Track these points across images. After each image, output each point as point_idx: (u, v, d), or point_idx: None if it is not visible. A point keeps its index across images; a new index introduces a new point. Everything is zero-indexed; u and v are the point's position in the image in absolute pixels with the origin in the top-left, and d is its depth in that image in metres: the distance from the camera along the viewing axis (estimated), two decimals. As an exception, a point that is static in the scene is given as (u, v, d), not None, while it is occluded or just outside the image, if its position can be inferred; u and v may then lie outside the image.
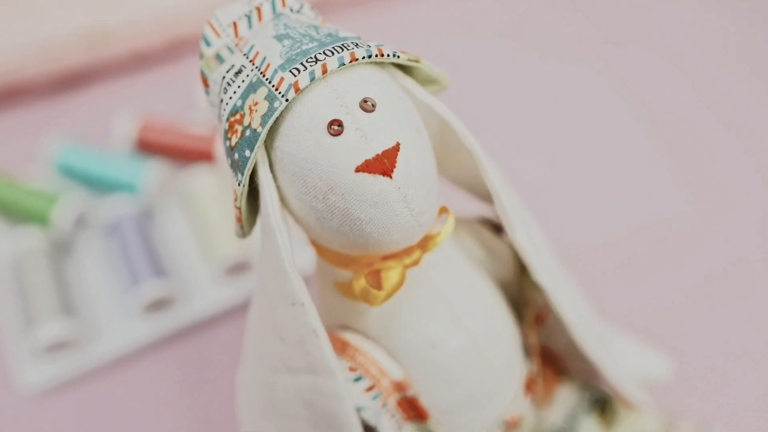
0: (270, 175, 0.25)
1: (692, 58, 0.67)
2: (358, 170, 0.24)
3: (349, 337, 0.31)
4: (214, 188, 0.54)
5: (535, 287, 0.35)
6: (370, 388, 0.30)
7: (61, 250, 0.53)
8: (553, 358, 0.43)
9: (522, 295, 0.36)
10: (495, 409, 0.33)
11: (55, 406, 0.46)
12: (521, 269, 0.36)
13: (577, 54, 0.68)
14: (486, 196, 0.35)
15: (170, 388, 0.48)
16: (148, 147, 0.57)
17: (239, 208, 0.26)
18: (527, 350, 0.37)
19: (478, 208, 0.37)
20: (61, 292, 0.48)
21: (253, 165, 0.25)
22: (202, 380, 0.48)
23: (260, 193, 0.26)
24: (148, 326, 0.48)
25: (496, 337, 0.33)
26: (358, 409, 0.29)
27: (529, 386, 0.36)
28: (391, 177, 0.24)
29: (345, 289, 0.29)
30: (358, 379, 0.30)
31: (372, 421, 0.30)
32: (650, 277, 0.51)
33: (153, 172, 0.54)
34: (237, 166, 0.25)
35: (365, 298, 0.27)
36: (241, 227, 0.27)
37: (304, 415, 0.29)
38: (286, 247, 0.26)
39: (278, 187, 0.26)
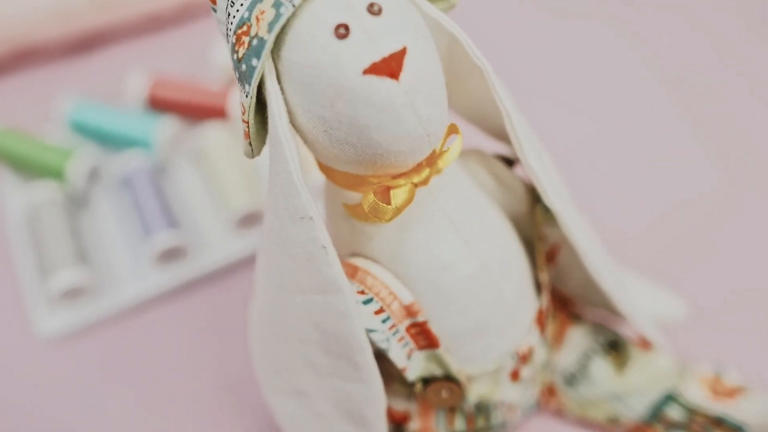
0: (278, 86, 0.25)
1: (712, 19, 0.65)
2: (365, 73, 0.23)
3: (359, 262, 0.31)
4: (227, 144, 0.54)
5: (548, 222, 0.35)
6: (379, 311, 0.30)
7: (76, 203, 0.53)
8: (566, 302, 0.43)
9: (534, 230, 0.36)
10: (506, 342, 0.33)
11: (71, 353, 0.47)
12: (533, 204, 0.36)
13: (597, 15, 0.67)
14: (498, 132, 0.34)
15: (183, 337, 0.48)
16: (160, 104, 0.57)
17: (247, 123, 0.26)
18: (538, 286, 0.36)
19: (490, 148, 0.37)
20: (76, 242, 0.49)
21: (260, 74, 0.25)
22: (214, 329, 0.48)
23: (268, 106, 0.26)
24: (162, 276, 0.49)
25: (507, 267, 0.32)
26: (368, 332, 0.29)
27: (540, 321, 0.35)
28: (397, 79, 0.24)
29: (354, 209, 0.29)
30: (368, 302, 0.30)
31: (382, 345, 0.30)
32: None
33: (165, 128, 0.54)
34: (244, 78, 0.25)
35: (375, 213, 0.27)
36: (249, 144, 0.27)
37: (315, 338, 0.29)
38: (294, 159, 0.25)
39: (286, 102, 0.26)
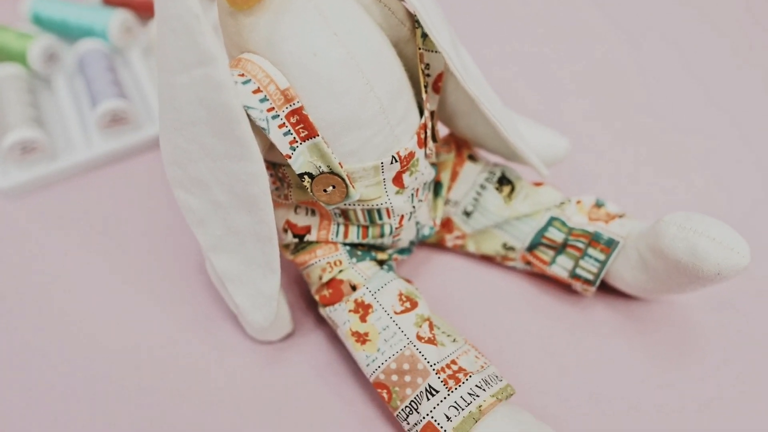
0: None
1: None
2: None
3: (242, 55, 0.35)
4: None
5: (428, 47, 0.39)
6: (257, 91, 0.34)
7: (37, 83, 0.58)
8: (462, 146, 0.47)
9: (416, 52, 0.40)
10: (383, 140, 0.37)
11: (26, 206, 0.52)
12: (414, 29, 0.39)
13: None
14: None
15: (132, 195, 0.53)
16: (114, 1, 0.62)
17: None
18: (422, 109, 0.41)
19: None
20: (34, 111, 0.54)
21: None
22: (151, 192, 0.53)
23: None
24: (109, 141, 0.54)
25: (379, 67, 0.36)
26: (247, 109, 0.34)
27: (420, 134, 0.39)
28: None
29: (231, -3, 0.33)
30: (246, 82, 0.34)
31: (261, 124, 0.34)
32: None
33: (118, 19, 0.59)
34: None
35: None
36: None
37: (203, 117, 0.34)
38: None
39: None
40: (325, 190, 0.37)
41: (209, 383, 0.42)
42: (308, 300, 0.47)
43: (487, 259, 0.48)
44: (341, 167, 0.36)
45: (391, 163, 0.38)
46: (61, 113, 0.56)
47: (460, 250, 0.48)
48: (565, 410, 0.41)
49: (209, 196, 0.37)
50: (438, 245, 0.49)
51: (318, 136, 0.35)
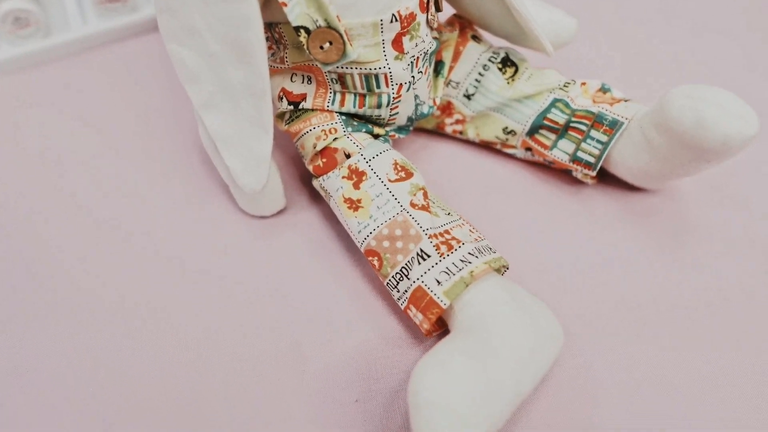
0: None
1: None
2: None
3: None
4: None
5: None
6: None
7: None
8: (466, 27, 0.46)
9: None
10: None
11: (18, 83, 0.51)
12: None
13: None
14: None
15: (119, 78, 0.52)
16: None
17: None
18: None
19: None
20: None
21: None
22: (147, 74, 0.52)
23: None
24: (105, 20, 0.53)
25: None
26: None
27: (422, 2, 0.38)
28: None
29: None
30: None
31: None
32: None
33: None
34: None
35: None
36: None
37: None
38: None
39: None
40: (321, 47, 0.36)
41: (200, 254, 0.42)
42: (303, 179, 0.46)
43: (487, 146, 0.47)
44: (339, 21, 0.35)
45: (391, 21, 0.36)
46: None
47: (459, 137, 0.47)
48: (561, 292, 0.40)
49: (202, 47, 0.36)
50: (437, 132, 0.48)
51: None
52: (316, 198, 0.45)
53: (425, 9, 0.38)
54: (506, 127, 0.44)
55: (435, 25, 0.40)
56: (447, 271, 0.35)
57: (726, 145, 0.35)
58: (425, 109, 0.43)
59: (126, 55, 0.53)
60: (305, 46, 0.36)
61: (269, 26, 0.39)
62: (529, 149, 0.45)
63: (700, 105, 0.35)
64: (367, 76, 0.39)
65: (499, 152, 0.47)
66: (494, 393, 0.30)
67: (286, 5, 0.34)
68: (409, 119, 0.43)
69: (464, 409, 0.29)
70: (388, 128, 0.43)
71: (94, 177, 0.46)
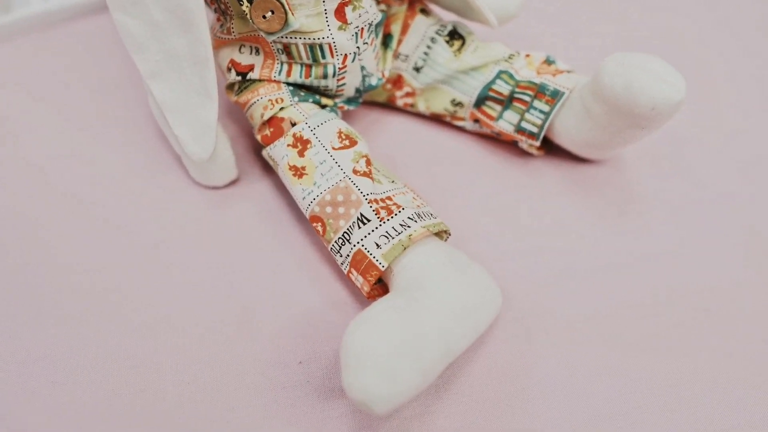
0: None
1: None
2: None
3: None
4: None
5: None
6: None
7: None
8: (414, 0, 0.47)
9: None
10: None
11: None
12: None
13: None
14: None
15: (80, 55, 0.53)
16: None
17: None
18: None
19: None
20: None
21: None
22: (108, 53, 0.53)
23: None
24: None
25: None
26: None
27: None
28: None
29: None
30: None
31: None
32: None
33: None
34: None
35: None
36: None
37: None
38: None
39: None
40: (264, 17, 0.37)
41: (150, 224, 0.43)
42: (256, 151, 0.47)
43: (437, 118, 0.48)
44: (281, -8, 0.36)
45: (333, -9, 0.37)
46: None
47: (411, 110, 0.48)
48: (502, 259, 0.41)
49: (147, 15, 0.37)
50: (389, 105, 0.49)
51: None
52: (269, 169, 0.46)
53: (367, -20, 0.39)
54: (454, 99, 0.45)
55: (379, -4, 0.41)
56: (386, 234, 0.36)
57: (655, 110, 0.36)
58: (373, 81, 0.44)
59: (88, 32, 0.53)
60: (248, 15, 0.37)
61: (215, -4, 0.40)
62: (477, 121, 0.46)
63: (629, 71, 0.36)
64: (311, 46, 0.39)
65: (449, 125, 0.48)
66: (422, 346, 0.31)
67: (227, -25, 0.35)
68: (358, 91, 0.44)
69: (391, 361, 0.30)
70: (336, 99, 0.44)
71: (49, 148, 0.46)
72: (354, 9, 0.39)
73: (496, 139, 0.47)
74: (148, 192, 0.44)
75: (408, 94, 0.47)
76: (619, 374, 0.37)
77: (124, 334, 0.38)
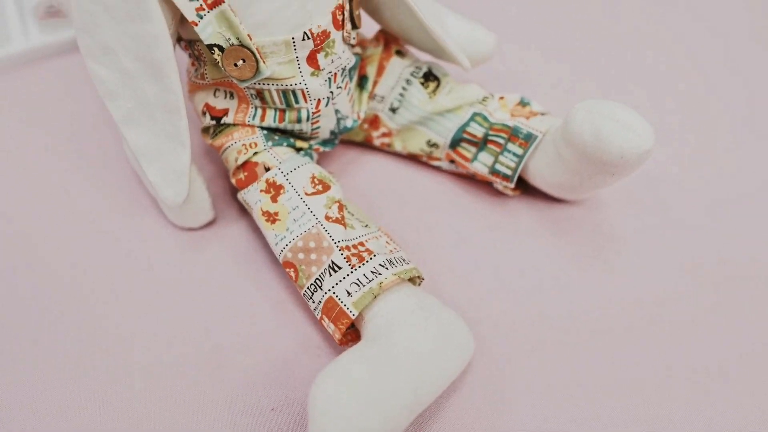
0: None
1: None
2: None
3: None
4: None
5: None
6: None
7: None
8: (391, 42, 0.47)
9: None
10: (294, 14, 0.36)
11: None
12: None
13: None
14: None
15: (57, 93, 0.53)
16: None
17: None
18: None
19: None
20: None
21: None
22: (85, 90, 0.53)
23: None
24: (47, 34, 0.54)
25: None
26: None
27: (336, 19, 0.39)
28: None
29: None
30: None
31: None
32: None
33: None
34: None
35: None
36: None
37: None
38: None
39: None
40: (235, 65, 0.37)
41: (126, 264, 0.43)
42: (233, 192, 0.47)
43: (414, 158, 0.48)
44: (251, 40, 0.36)
45: (303, 39, 0.37)
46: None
47: (388, 149, 0.48)
48: (478, 301, 0.41)
49: (117, 64, 0.37)
50: (366, 145, 0.49)
51: (224, 2, 0.35)
52: (245, 210, 0.46)
53: (340, 27, 0.39)
54: (430, 140, 0.46)
55: (353, 42, 0.41)
56: (358, 282, 0.36)
57: (623, 158, 0.36)
58: (348, 123, 0.44)
59: (68, 70, 0.54)
60: (220, 63, 0.37)
61: (189, 43, 0.40)
62: (453, 161, 0.46)
63: (597, 119, 0.36)
64: (284, 92, 0.40)
65: (426, 164, 0.48)
66: (389, 400, 0.31)
67: (196, 24, 0.36)
68: (333, 133, 0.44)
69: (357, 416, 0.30)
70: (311, 141, 0.44)
71: (23, 186, 0.46)
72: (327, 55, 0.39)
73: (472, 179, 0.47)
74: (123, 234, 0.44)
75: (385, 134, 0.47)
76: (593, 419, 0.37)
77: (91, 378, 0.38)
